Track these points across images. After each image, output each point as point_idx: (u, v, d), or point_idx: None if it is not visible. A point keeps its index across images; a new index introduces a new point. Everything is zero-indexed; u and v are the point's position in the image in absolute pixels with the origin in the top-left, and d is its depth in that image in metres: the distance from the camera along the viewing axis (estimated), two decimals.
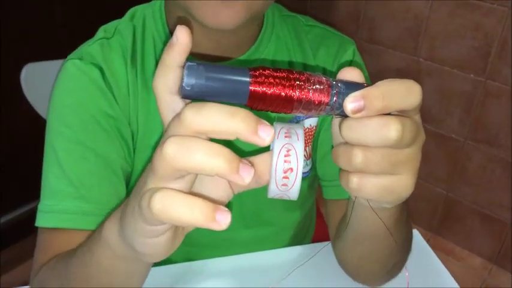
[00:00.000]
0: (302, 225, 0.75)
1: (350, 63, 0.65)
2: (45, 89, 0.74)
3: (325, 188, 0.66)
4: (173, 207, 0.29)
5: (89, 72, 0.56)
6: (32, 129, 1.16)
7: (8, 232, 1.48)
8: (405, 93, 0.32)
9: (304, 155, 0.66)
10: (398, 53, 1.50)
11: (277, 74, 0.31)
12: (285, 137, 0.34)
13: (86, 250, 0.44)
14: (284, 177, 0.33)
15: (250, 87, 0.30)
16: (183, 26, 0.32)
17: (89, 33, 0.64)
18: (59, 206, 0.54)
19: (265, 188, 0.59)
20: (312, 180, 0.70)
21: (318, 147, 0.65)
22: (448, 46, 1.40)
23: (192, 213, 0.29)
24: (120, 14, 0.64)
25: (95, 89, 0.56)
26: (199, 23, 0.50)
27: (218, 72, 0.30)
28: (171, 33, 0.59)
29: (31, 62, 0.91)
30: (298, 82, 0.31)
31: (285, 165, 0.33)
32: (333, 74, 0.63)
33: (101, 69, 0.56)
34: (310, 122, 0.65)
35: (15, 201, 1.50)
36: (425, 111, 1.50)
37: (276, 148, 0.33)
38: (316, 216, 0.86)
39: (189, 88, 0.30)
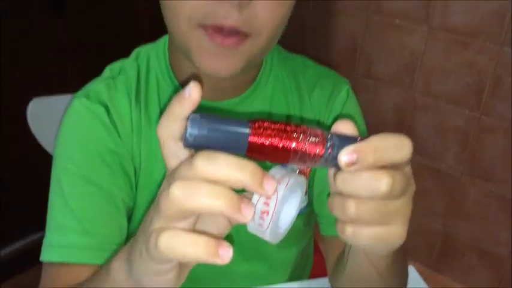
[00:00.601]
0: (299, 261, 0.76)
1: (344, 104, 0.67)
2: (51, 124, 0.75)
3: (322, 225, 0.66)
4: (178, 245, 0.31)
5: (95, 110, 0.58)
6: (35, 163, 1.17)
7: (8, 264, 1.47)
8: (396, 148, 0.34)
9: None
10: (394, 88, 1.53)
11: (275, 126, 0.33)
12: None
13: None
14: (260, 218, 0.35)
15: (249, 139, 0.32)
16: (196, 82, 0.34)
17: (95, 69, 0.66)
18: (63, 240, 0.55)
19: None
20: (308, 216, 0.71)
21: (314, 185, 0.66)
22: (443, 82, 1.43)
23: (196, 251, 0.31)
24: (125, 53, 0.66)
25: (100, 126, 0.58)
26: (197, 68, 0.52)
27: (220, 124, 0.32)
28: (174, 73, 0.61)
29: (37, 96, 0.93)
30: (295, 134, 0.33)
31: (263, 206, 0.34)
32: (327, 115, 0.65)
33: (107, 107, 0.58)
34: None
35: (15, 233, 1.50)
36: (421, 145, 1.52)
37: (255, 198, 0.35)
38: (314, 251, 0.86)
39: (191, 139, 0.32)
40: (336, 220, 0.36)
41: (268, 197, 0.35)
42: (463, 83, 1.40)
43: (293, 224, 0.69)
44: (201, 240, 0.31)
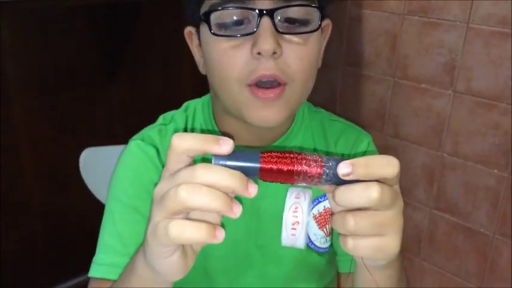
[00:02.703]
0: None
1: (365, 153, 0.74)
2: (101, 173, 0.86)
3: (340, 263, 0.72)
4: (186, 231, 0.40)
5: (148, 151, 0.69)
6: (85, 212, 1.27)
7: None
8: (385, 164, 0.42)
9: (324, 232, 0.74)
10: (423, 148, 1.58)
11: (281, 155, 0.42)
12: (295, 197, 0.45)
13: (122, 281, 0.55)
14: (292, 229, 0.43)
15: (260, 165, 0.42)
16: (230, 140, 0.42)
17: (139, 122, 0.78)
18: (108, 259, 0.64)
19: (286, 262, 0.68)
20: (332, 256, 0.76)
21: None
22: (471, 143, 1.48)
23: (200, 234, 0.40)
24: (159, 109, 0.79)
25: (151, 165, 0.69)
26: (245, 121, 0.62)
27: (237, 155, 0.42)
28: (216, 124, 0.71)
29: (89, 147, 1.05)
30: (297, 160, 0.42)
31: (293, 219, 0.43)
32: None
33: (157, 150, 0.69)
34: (328, 204, 0.73)
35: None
36: (451, 204, 1.54)
37: (287, 206, 0.43)
38: None
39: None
40: (339, 236, 0.44)
41: (295, 211, 0.44)
42: (490, 143, 1.44)
43: (316, 261, 0.75)
44: (203, 226, 0.40)
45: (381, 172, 0.41)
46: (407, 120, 1.61)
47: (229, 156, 0.41)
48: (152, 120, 0.78)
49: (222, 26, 0.58)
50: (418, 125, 1.58)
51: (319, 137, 0.74)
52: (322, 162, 0.42)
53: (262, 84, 0.58)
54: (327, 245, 0.73)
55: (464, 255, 1.56)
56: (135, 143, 0.71)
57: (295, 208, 0.44)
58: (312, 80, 0.64)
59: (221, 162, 0.40)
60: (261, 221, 0.70)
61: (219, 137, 0.41)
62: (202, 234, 0.40)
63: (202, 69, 0.67)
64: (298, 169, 0.41)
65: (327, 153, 0.74)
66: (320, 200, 0.73)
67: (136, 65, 1.64)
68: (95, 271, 0.65)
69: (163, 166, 0.67)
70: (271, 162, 0.41)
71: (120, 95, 1.61)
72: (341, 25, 1.67)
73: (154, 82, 1.69)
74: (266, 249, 0.71)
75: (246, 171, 0.41)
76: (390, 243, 0.42)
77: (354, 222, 0.41)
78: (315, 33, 0.60)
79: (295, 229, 0.44)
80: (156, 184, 0.68)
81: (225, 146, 0.40)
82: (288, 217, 0.44)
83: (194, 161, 0.43)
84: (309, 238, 0.72)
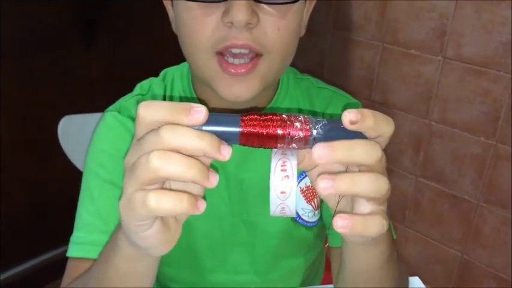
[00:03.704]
0: (308, 273, 0.79)
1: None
2: (81, 141, 0.82)
3: (330, 236, 0.70)
4: (167, 202, 0.37)
5: (125, 123, 0.65)
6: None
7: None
8: (387, 121, 0.39)
9: (313, 206, 0.71)
10: (410, 115, 1.57)
11: (263, 117, 0.39)
12: (282, 153, 0.41)
13: (104, 261, 0.51)
14: (282, 185, 0.39)
15: (241, 129, 0.38)
16: (204, 107, 0.37)
17: (120, 90, 0.73)
18: (88, 238, 0.61)
19: (274, 237, 0.64)
20: (319, 230, 0.74)
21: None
22: (459, 110, 1.46)
23: (181, 205, 0.37)
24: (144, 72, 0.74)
25: (128, 137, 0.64)
26: (216, 93, 0.58)
27: (215, 121, 0.38)
28: (195, 93, 0.67)
29: (68, 114, 1.01)
30: (280, 122, 0.39)
31: (281, 173, 0.39)
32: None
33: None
34: None
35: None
36: (438, 172, 1.54)
37: (274, 160, 0.40)
38: (324, 268, 0.89)
39: None
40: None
41: (283, 165, 0.40)
42: (478, 111, 1.42)
43: (303, 234, 0.73)
44: (184, 196, 0.37)
45: (385, 128, 0.39)
46: (395, 87, 1.58)
47: (206, 122, 0.37)
48: (132, 88, 0.74)
49: None
50: (406, 92, 1.56)
51: (306, 106, 0.70)
52: (309, 124, 0.39)
53: (233, 56, 0.54)
54: (315, 219, 0.71)
55: (448, 223, 1.57)
56: (111, 114, 0.66)
57: (283, 162, 0.40)
58: (292, 51, 0.59)
59: (196, 127, 0.37)
60: (246, 195, 0.67)
61: (190, 104, 0.37)
62: (184, 205, 0.37)
63: (174, 29, 0.62)
64: (283, 132, 0.38)
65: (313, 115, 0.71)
66: (302, 175, 0.70)
67: (117, 32, 1.57)
68: (73, 251, 0.62)
69: None
70: (251, 125, 0.38)
71: (101, 62, 1.55)
72: None
73: (135, 49, 1.63)
74: (253, 225, 0.69)
75: (225, 137, 0.38)
76: (378, 220, 0.39)
77: (367, 180, 0.37)
78: (297, 3, 0.55)
79: (285, 185, 0.39)
80: None
81: (198, 114, 0.36)
82: (276, 171, 0.40)
83: None
84: (297, 213, 0.70)
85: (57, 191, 1.54)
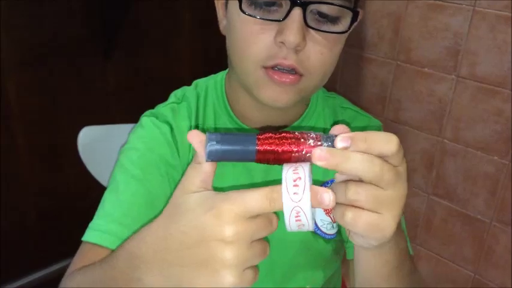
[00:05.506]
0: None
1: None
2: (100, 151, 0.83)
3: (348, 250, 0.71)
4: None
5: (161, 127, 0.68)
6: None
7: None
8: (384, 140, 0.40)
9: (331, 218, 0.72)
10: (423, 133, 1.57)
11: (277, 135, 0.41)
12: (294, 165, 0.43)
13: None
14: (294, 186, 0.40)
15: (257, 148, 0.41)
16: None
17: (135, 101, 0.76)
18: (105, 226, 0.62)
19: (291, 246, 0.65)
20: (338, 245, 0.75)
21: None
22: (472, 129, 1.46)
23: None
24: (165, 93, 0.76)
25: (163, 140, 0.67)
26: (255, 99, 0.60)
27: (233, 140, 0.41)
28: (228, 102, 0.71)
29: (84, 124, 1.02)
30: (294, 140, 0.41)
31: (293, 175, 0.40)
32: None
33: (171, 127, 0.68)
34: None
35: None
36: (450, 190, 1.54)
37: (285, 169, 0.42)
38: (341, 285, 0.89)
39: (211, 154, 0.42)
40: (336, 207, 0.43)
41: (295, 169, 0.41)
42: (491, 130, 1.42)
43: (322, 247, 0.74)
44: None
45: (380, 148, 0.40)
46: (408, 104, 1.59)
47: (224, 140, 0.41)
48: (149, 99, 0.77)
49: (252, 2, 0.56)
50: (419, 109, 1.56)
51: (330, 125, 0.74)
52: (320, 140, 0.41)
53: (279, 69, 0.58)
54: (333, 231, 0.72)
55: (460, 242, 1.56)
56: (148, 118, 0.70)
57: (295, 168, 0.41)
58: (329, 73, 0.65)
59: (216, 146, 0.41)
60: None
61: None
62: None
63: (223, 29, 0.66)
64: (298, 149, 0.41)
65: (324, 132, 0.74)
66: (326, 185, 0.71)
67: (134, 44, 1.60)
68: (89, 236, 0.63)
69: (176, 144, 0.67)
70: (267, 144, 0.41)
71: (117, 73, 1.58)
72: None
73: (151, 61, 1.65)
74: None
75: (242, 155, 0.41)
76: (386, 222, 0.41)
77: (355, 190, 0.40)
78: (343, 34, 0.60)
79: (297, 186, 0.40)
80: (167, 161, 0.66)
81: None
82: (288, 175, 0.41)
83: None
84: (316, 224, 0.71)
85: (69, 202, 1.55)
